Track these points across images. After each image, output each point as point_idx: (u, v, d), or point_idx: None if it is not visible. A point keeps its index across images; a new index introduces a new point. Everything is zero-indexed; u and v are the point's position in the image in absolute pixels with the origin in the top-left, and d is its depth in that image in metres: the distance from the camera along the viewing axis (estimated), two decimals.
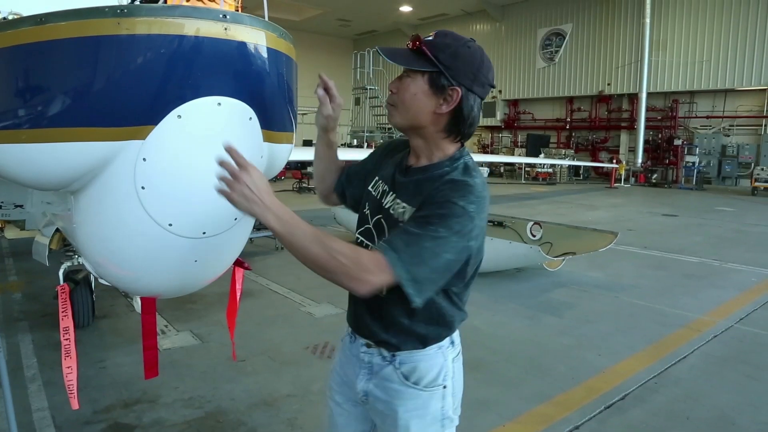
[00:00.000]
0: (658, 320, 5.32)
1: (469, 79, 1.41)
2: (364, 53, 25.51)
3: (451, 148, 1.51)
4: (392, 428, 1.58)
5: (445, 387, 1.58)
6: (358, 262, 1.29)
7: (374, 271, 1.29)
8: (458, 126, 1.46)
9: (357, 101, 28.38)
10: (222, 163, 1.27)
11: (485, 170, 26.17)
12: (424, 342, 1.55)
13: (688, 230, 10.94)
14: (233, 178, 1.25)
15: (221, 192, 1.27)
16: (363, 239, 1.62)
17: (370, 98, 26.11)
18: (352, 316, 1.67)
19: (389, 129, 26.34)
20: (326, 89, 1.67)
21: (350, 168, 1.83)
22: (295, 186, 18.17)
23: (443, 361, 1.58)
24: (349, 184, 1.80)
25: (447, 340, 1.60)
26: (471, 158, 1.52)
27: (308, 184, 18.18)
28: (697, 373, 4.10)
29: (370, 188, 1.65)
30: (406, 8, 28.86)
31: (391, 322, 1.53)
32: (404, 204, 1.49)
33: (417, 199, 1.45)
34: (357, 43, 35.13)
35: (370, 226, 1.59)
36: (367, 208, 1.63)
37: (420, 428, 1.56)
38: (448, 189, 1.39)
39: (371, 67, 25.31)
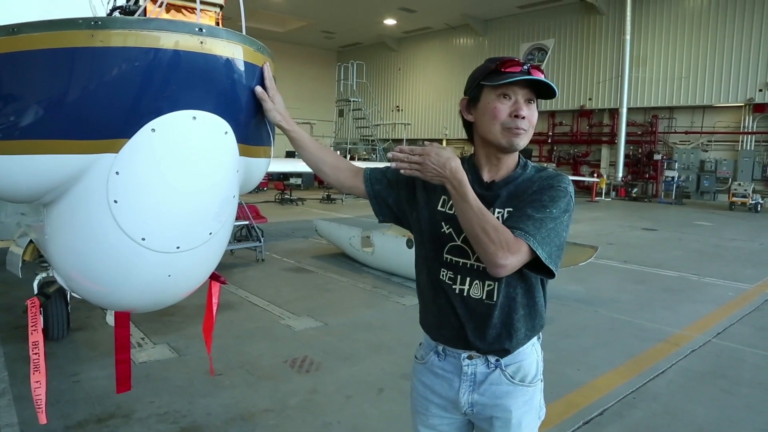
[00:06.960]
0: (637, 335, 5.35)
1: None
2: (348, 65, 25.60)
3: (516, 157, 1.72)
4: (504, 428, 1.67)
5: (541, 380, 1.74)
6: (506, 241, 1.45)
7: (515, 252, 1.45)
8: None
9: (341, 113, 28.44)
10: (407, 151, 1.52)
11: None
12: (529, 336, 1.68)
13: (668, 244, 11.08)
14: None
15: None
16: (452, 257, 1.67)
17: (353, 110, 26.20)
18: (447, 332, 1.71)
19: (372, 141, 26.44)
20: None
21: (371, 174, 1.85)
22: (277, 197, 18.08)
23: (537, 356, 1.73)
24: (378, 184, 1.84)
25: (537, 335, 1.75)
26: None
27: (290, 196, 18.12)
28: (675, 388, 4.12)
29: (440, 209, 1.70)
30: (390, 21, 29.05)
31: (502, 328, 1.64)
32: (501, 210, 1.62)
33: (514, 201, 1.62)
34: (341, 55, 35.22)
35: (459, 243, 1.65)
36: (445, 227, 1.68)
37: (528, 422, 1.70)
38: (545, 179, 1.64)
39: (355, 79, 25.43)
